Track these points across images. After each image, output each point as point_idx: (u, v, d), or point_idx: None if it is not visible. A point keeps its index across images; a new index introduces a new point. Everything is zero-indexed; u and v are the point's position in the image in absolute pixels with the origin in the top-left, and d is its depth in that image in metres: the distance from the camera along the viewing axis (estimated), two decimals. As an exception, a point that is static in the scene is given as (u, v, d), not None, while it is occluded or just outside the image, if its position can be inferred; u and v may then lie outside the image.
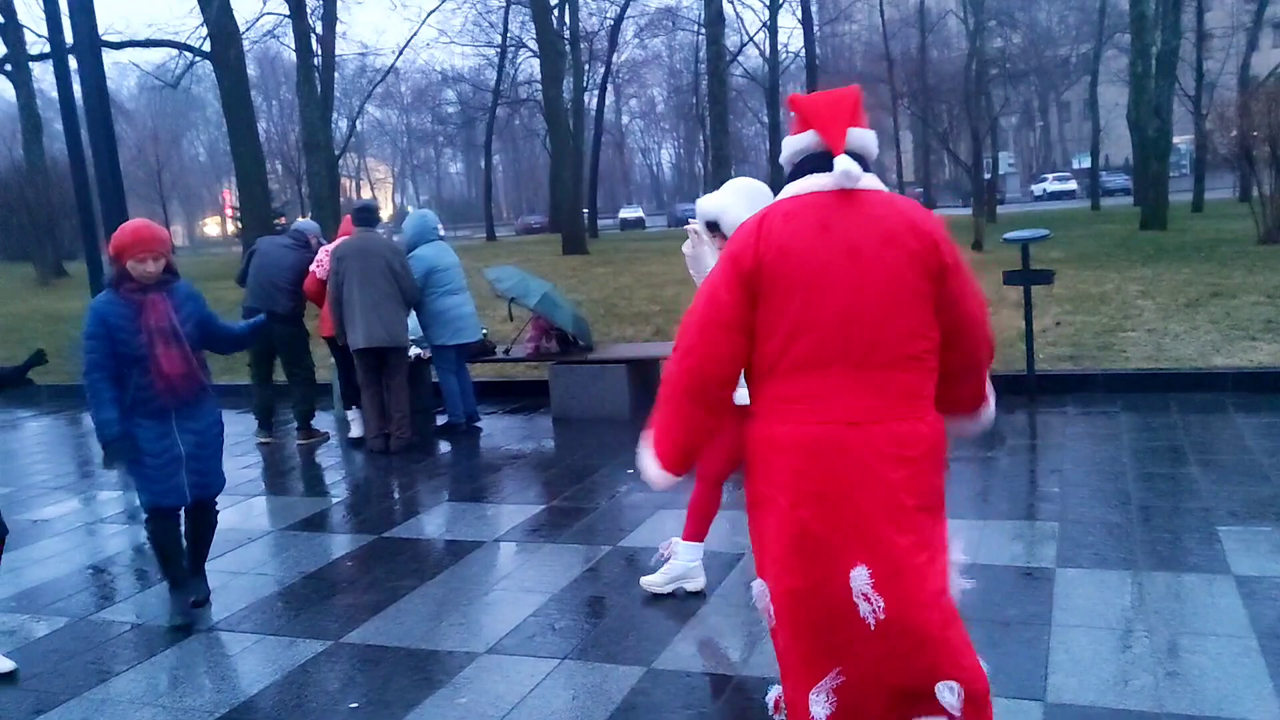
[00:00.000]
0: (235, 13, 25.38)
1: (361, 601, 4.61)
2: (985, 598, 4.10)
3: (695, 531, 4.36)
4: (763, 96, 43.30)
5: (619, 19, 40.33)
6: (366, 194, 73.79)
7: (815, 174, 2.46)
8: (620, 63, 47.28)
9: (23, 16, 36.86)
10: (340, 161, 34.81)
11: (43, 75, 36.86)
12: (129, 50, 30.36)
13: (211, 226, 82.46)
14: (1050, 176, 55.33)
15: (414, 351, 8.47)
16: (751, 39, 42.36)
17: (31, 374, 4.56)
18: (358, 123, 42.33)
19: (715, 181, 20.80)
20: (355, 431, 8.06)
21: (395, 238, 8.33)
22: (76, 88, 9.07)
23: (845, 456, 2.38)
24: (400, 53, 39.24)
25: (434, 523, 5.78)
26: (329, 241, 8.26)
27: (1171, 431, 6.49)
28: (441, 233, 8.28)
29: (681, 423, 2.60)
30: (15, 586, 5.10)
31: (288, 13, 26.34)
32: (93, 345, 4.23)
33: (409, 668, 3.88)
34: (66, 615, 4.72)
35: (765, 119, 44.29)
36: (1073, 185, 52.03)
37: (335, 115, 32.60)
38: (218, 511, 4.77)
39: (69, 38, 9.03)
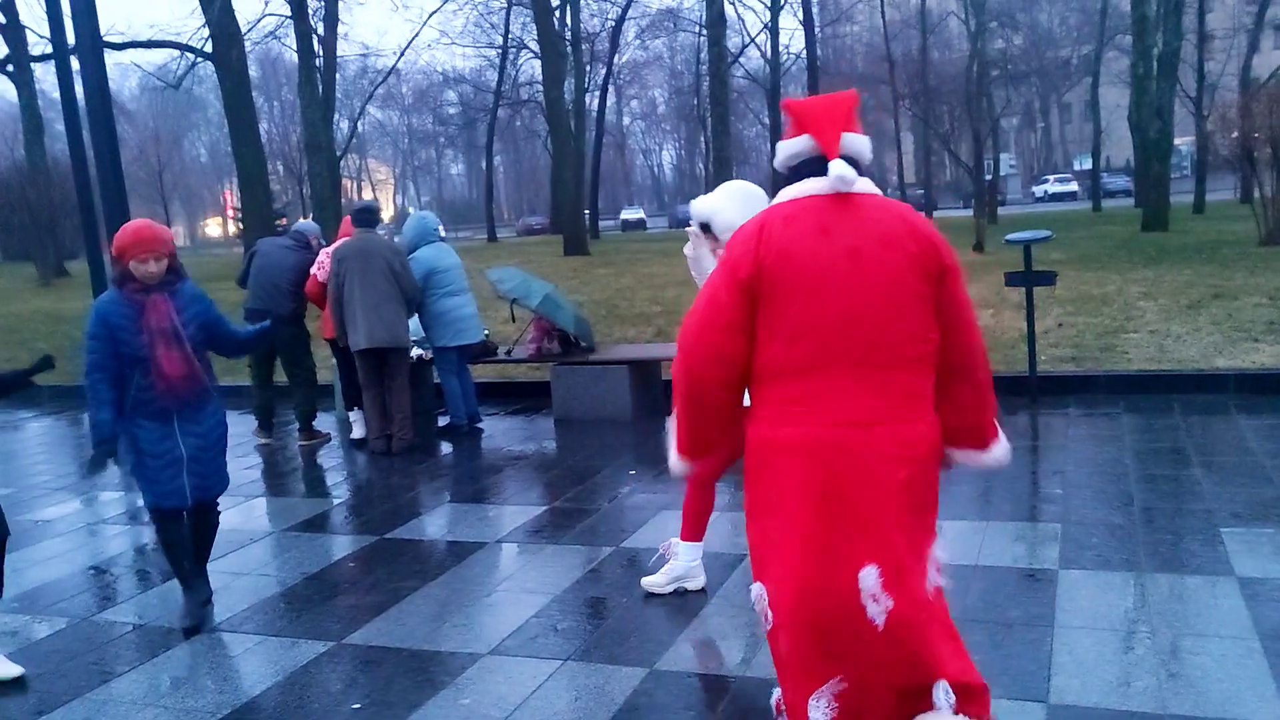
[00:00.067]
0: (237, 14, 25.43)
1: (364, 602, 4.61)
2: (988, 599, 4.10)
3: (693, 531, 4.37)
4: (764, 98, 43.34)
5: (620, 20, 40.35)
6: (368, 195, 73.83)
7: (812, 178, 2.48)
8: (621, 64, 47.31)
9: (24, 17, 36.80)
10: (341, 162, 34.83)
11: (44, 76, 36.87)
12: (131, 51, 30.41)
13: (213, 227, 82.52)
14: (1051, 178, 55.32)
15: (415, 353, 8.48)
16: (753, 40, 42.38)
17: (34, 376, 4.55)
18: (359, 124, 42.37)
19: (716, 183, 20.77)
20: (357, 433, 8.06)
21: (396, 239, 8.33)
22: (79, 88, 9.07)
23: (850, 457, 2.40)
24: (402, 54, 39.42)
25: (436, 524, 5.78)
26: (329, 243, 8.26)
27: (1174, 433, 6.49)
28: (442, 234, 8.28)
29: (688, 420, 2.65)
30: (17, 587, 5.09)
31: (289, 14, 26.37)
32: (94, 345, 4.23)
33: (411, 669, 3.88)
34: (68, 616, 4.72)
35: (766, 120, 44.28)
36: (1074, 187, 52.02)
37: (337, 116, 32.61)
38: (219, 513, 4.76)
39: (71, 38, 9.03)
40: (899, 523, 2.42)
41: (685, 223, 5.10)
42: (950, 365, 2.52)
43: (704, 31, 31.31)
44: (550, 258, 25.09)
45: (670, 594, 4.41)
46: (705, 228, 3.93)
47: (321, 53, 28.27)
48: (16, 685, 3.97)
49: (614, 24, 40.51)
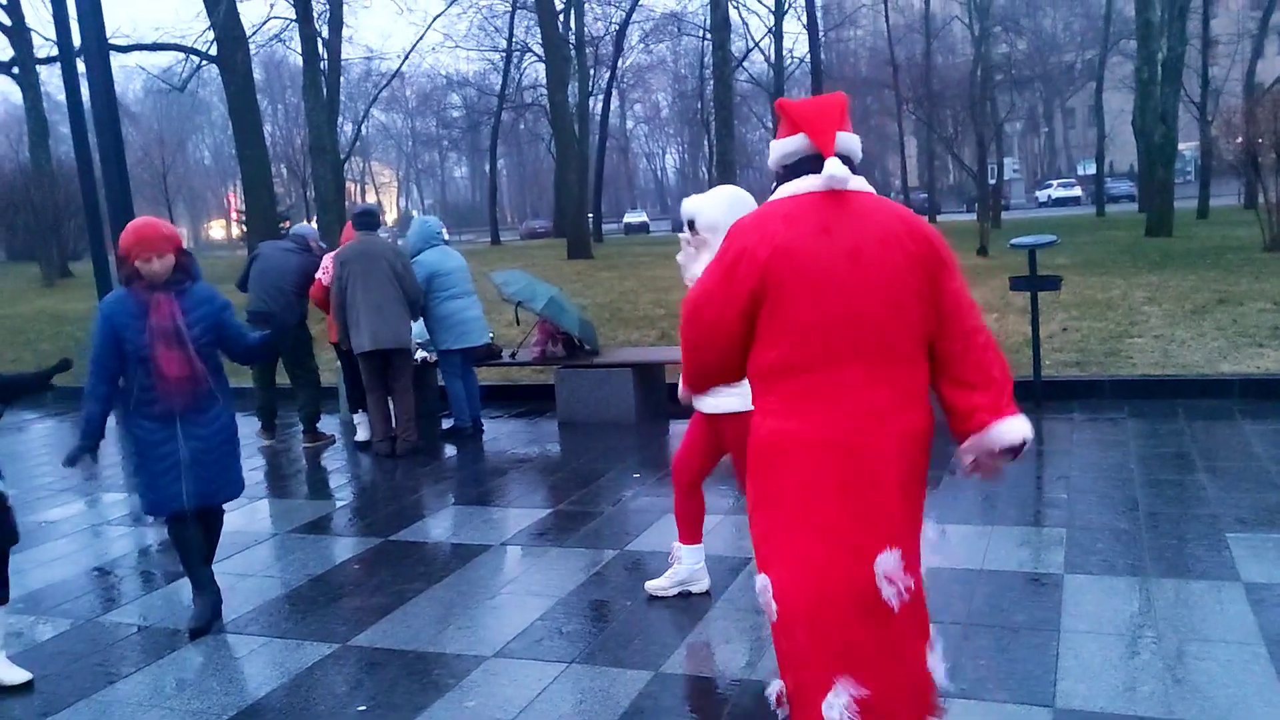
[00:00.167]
0: (242, 17, 25.48)
1: (368, 604, 4.61)
2: (993, 603, 4.10)
3: (689, 535, 4.38)
4: (767, 102, 43.34)
5: (624, 24, 40.40)
6: (371, 198, 73.90)
7: (807, 176, 2.52)
8: (625, 68, 47.33)
9: (30, 20, 36.90)
10: (346, 165, 34.90)
11: (49, 78, 36.94)
12: (136, 53, 30.42)
13: (216, 229, 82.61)
14: (1055, 182, 55.35)
15: (420, 355, 8.49)
16: (757, 45, 42.41)
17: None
18: (363, 127, 42.46)
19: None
20: (361, 435, 8.07)
21: (399, 242, 8.34)
22: (84, 90, 9.10)
23: (867, 447, 2.44)
24: (406, 57, 39.29)
25: (440, 526, 5.78)
26: (330, 246, 8.27)
27: (1178, 438, 6.48)
28: (446, 237, 8.29)
29: (691, 364, 2.71)
30: (22, 589, 5.10)
31: (294, 17, 26.40)
32: (97, 342, 4.25)
33: (416, 671, 3.88)
34: (73, 618, 4.72)
35: (769, 124, 44.31)
36: (1077, 191, 52.04)
37: (341, 119, 32.69)
38: (223, 516, 4.73)
39: (77, 41, 9.06)
40: (906, 508, 2.50)
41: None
42: (955, 351, 2.53)
43: (708, 35, 31.34)
44: (554, 261, 25.12)
45: (675, 597, 4.41)
46: (690, 225, 3.99)
47: (326, 56, 28.34)
48: (22, 687, 3.97)
49: (618, 28, 40.57)
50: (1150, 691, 3.31)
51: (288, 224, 27.48)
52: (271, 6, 51.39)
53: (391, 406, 7.64)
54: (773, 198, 2.60)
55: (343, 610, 4.57)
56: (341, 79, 31.35)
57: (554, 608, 4.41)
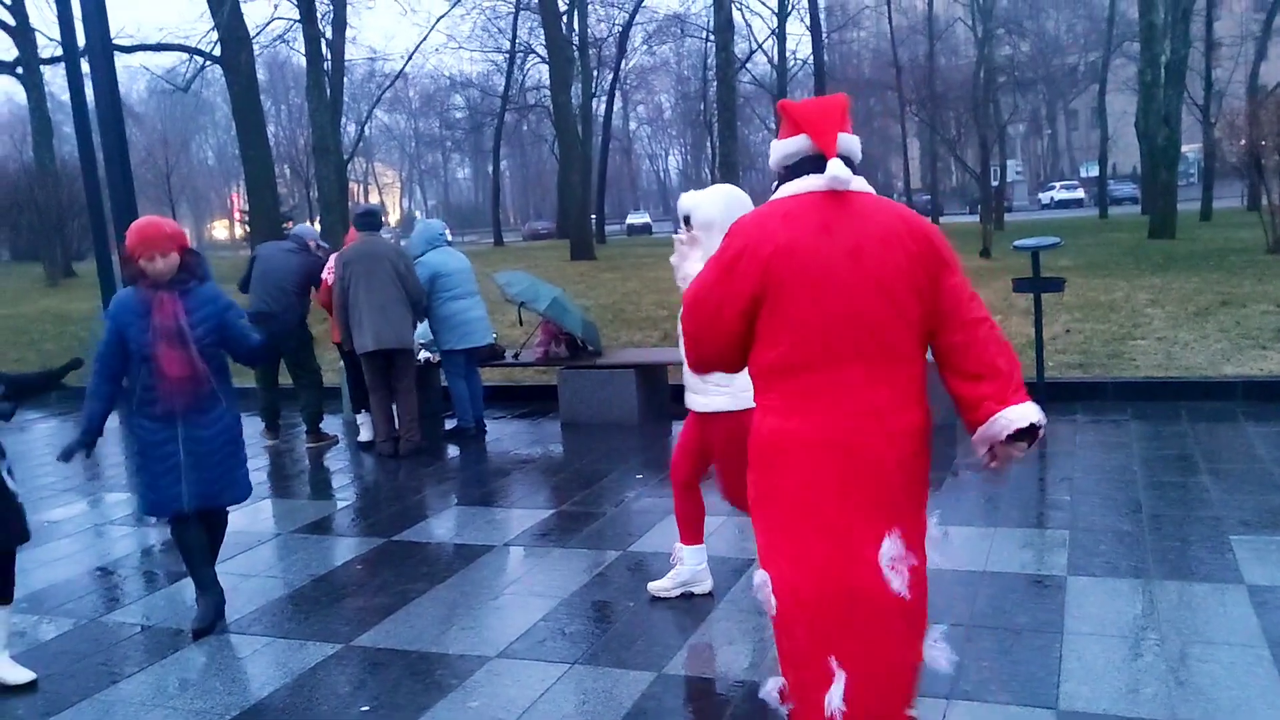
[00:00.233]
0: (245, 17, 25.49)
1: (371, 605, 4.62)
2: (996, 605, 4.09)
3: (690, 535, 4.39)
4: (770, 103, 43.34)
5: (627, 25, 40.46)
6: (374, 199, 73.92)
7: (809, 176, 2.54)
8: (628, 69, 47.40)
9: (34, 20, 36.94)
10: (349, 166, 34.90)
11: (53, 78, 37.03)
12: (139, 54, 30.42)
13: (220, 230, 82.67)
14: (1058, 185, 55.33)
15: (423, 356, 8.49)
16: (760, 46, 42.45)
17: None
18: (366, 127, 42.43)
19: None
20: (364, 435, 8.08)
21: (402, 243, 8.35)
22: (89, 91, 9.11)
23: (867, 445, 2.46)
24: (409, 58, 39.28)
25: (443, 526, 5.78)
26: (332, 246, 8.28)
27: (1182, 440, 6.48)
28: (449, 238, 8.30)
29: (692, 350, 2.72)
30: (25, 588, 5.10)
31: (298, 18, 26.42)
32: (103, 339, 4.28)
33: (419, 671, 3.88)
34: (76, 617, 4.73)
35: (772, 126, 44.29)
36: (1080, 194, 51.99)
37: (344, 120, 32.72)
38: (227, 518, 4.70)
39: (81, 41, 9.08)
40: (907, 505, 2.53)
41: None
42: (957, 344, 2.54)
43: (711, 37, 31.34)
44: (556, 262, 25.12)
45: (677, 598, 4.42)
46: (687, 220, 4.00)
47: (330, 56, 28.36)
48: (26, 686, 3.97)
49: (621, 29, 40.62)
50: (1153, 693, 3.31)
51: (290, 224, 27.48)
52: (275, 7, 51.30)
53: (395, 407, 7.65)
54: (774, 197, 2.62)
55: (346, 610, 4.57)
56: (345, 80, 31.38)
57: (557, 608, 4.41)
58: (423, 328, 8.04)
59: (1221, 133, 21.77)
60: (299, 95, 52.38)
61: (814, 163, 2.54)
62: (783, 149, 2.62)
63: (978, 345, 2.51)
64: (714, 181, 36.74)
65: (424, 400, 8.35)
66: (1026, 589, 4.25)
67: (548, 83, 32.23)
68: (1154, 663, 3.52)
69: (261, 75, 33.02)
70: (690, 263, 3.87)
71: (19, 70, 31.34)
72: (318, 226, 23.64)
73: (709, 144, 46.11)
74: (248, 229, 30.75)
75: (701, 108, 46.56)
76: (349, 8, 28.93)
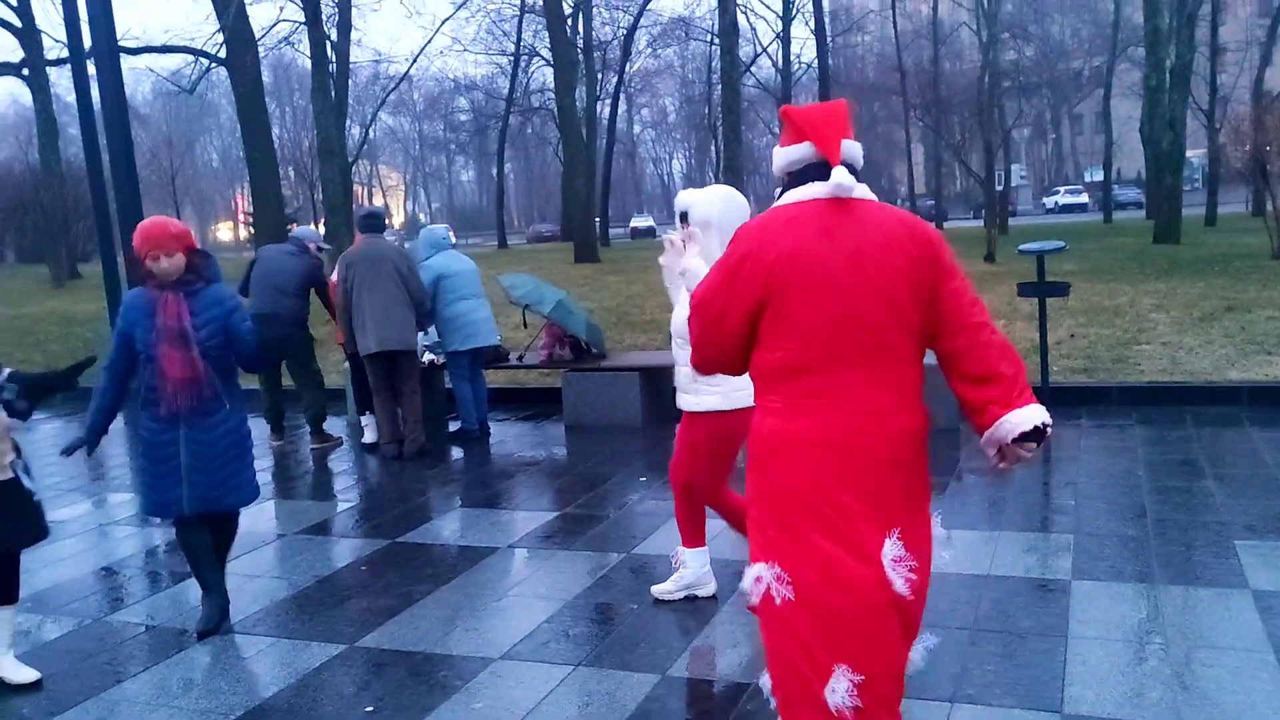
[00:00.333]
0: (251, 20, 25.53)
1: (376, 606, 4.62)
2: (1000, 608, 4.09)
3: (691, 538, 4.39)
4: (774, 107, 43.31)
5: (632, 28, 40.48)
6: (379, 201, 74.00)
7: (814, 183, 2.57)
8: (633, 72, 47.41)
9: (40, 22, 37.04)
10: (353, 168, 34.92)
11: (58, 80, 37.09)
12: (145, 56, 30.49)
13: (224, 231, 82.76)
14: (1062, 189, 55.19)
15: (427, 358, 8.50)
16: (765, 50, 42.40)
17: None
18: (371, 130, 42.41)
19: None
20: (369, 437, 8.08)
21: (406, 245, 8.37)
22: (94, 92, 9.13)
23: (867, 445, 2.49)
24: (414, 60, 39.32)
25: (447, 528, 5.79)
26: (338, 249, 8.30)
27: (1186, 445, 6.47)
28: (453, 241, 8.31)
29: (699, 351, 2.74)
30: (30, 588, 5.10)
31: (303, 20, 26.46)
32: (114, 339, 4.30)
33: (423, 673, 3.89)
34: (80, 617, 4.74)
35: (776, 130, 44.28)
36: (1084, 198, 51.90)
37: (349, 122, 32.75)
38: (236, 520, 4.66)
39: (87, 43, 9.10)
40: (908, 504, 2.56)
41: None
42: (960, 348, 2.56)
43: (716, 40, 31.36)
44: (561, 265, 25.13)
45: (681, 601, 4.41)
46: (684, 217, 4.01)
47: (335, 59, 28.36)
48: (30, 685, 3.98)
49: (626, 32, 40.65)
50: (1158, 698, 3.30)
51: (294, 226, 27.51)
52: (281, 10, 51.46)
53: (399, 409, 7.66)
54: (777, 203, 2.65)
55: (350, 611, 4.58)
56: (350, 82, 31.36)
57: (560, 610, 4.41)
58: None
59: (1226, 138, 21.73)
60: (304, 97, 52.42)
61: (818, 169, 2.58)
62: (787, 156, 2.66)
63: (981, 349, 2.54)
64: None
65: (428, 402, 8.36)
66: (1031, 593, 4.25)
67: (552, 86, 32.28)
68: (1159, 667, 3.51)
69: (266, 77, 33.09)
70: (688, 258, 3.87)
71: (25, 72, 31.40)
72: (322, 229, 23.68)
73: (713, 148, 46.06)
74: (252, 231, 30.80)
75: (706, 111, 46.54)
76: (354, 10, 28.94)
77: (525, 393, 9.63)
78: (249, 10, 25.50)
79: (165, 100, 51.53)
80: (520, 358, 8.86)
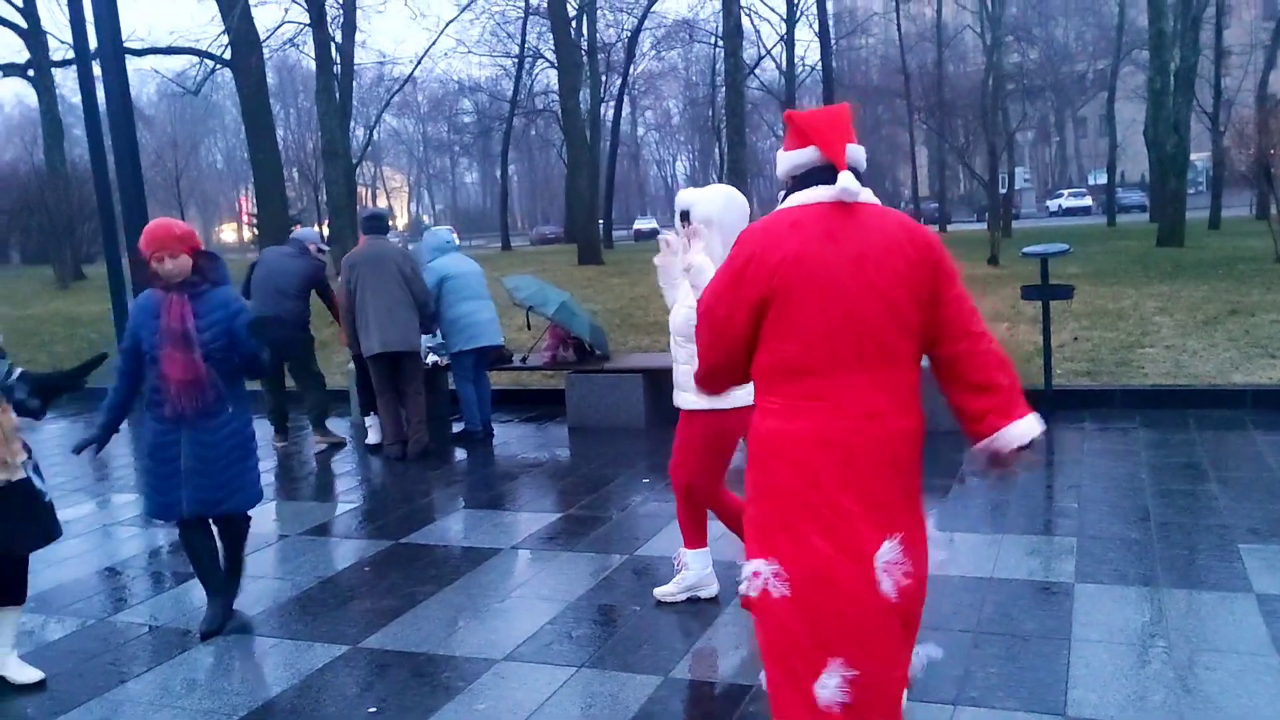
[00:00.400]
0: (256, 21, 25.59)
1: (379, 607, 4.62)
2: (1003, 611, 4.09)
3: (693, 539, 4.39)
4: (778, 110, 43.33)
5: (636, 31, 40.44)
6: (383, 203, 74.03)
7: (819, 186, 2.59)
8: (637, 74, 47.38)
9: (46, 23, 37.14)
10: (357, 170, 34.96)
11: (64, 81, 37.13)
12: (150, 57, 30.52)
13: (228, 233, 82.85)
14: (1066, 192, 55.15)
15: (431, 359, 8.51)
16: (769, 52, 42.36)
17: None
18: (375, 131, 42.46)
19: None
20: (372, 438, 8.09)
21: (410, 247, 8.38)
22: (100, 93, 9.14)
23: (866, 446, 2.52)
24: (418, 62, 39.41)
25: (451, 529, 5.79)
26: (342, 250, 8.32)
27: (1190, 448, 6.46)
28: (457, 242, 8.33)
29: (705, 360, 2.77)
30: (33, 588, 5.08)
31: (308, 22, 26.51)
32: (125, 339, 4.33)
33: (426, 674, 3.89)
34: (84, 617, 4.75)
35: (780, 132, 44.29)
36: (1088, 201, 51.84)
37: (353, 124, 32.75)
38: (246, 523, 4.63)
39: (93, 44, 9.11)
40: (905, 504, 2.59)
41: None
42: (959, 354, 2.60)
43: (720, 43, 31.35)
44: (564, 266, 25.13)
45: (683, 602, 4.42)
46: (685, 216, 4.02)
47: (339, 61, 28.40)
48: (34, 686, 3.99)
49: (630, 34, 40.61)
50: (1161, 701, 3.30)
51: (298, 227, 27.54)
52: (286, 11, 51.71)
53: (402, 410, 7.66)
54: (781, 207, 2.67)
55: (353, 612, 4.58)
56: (354, 84, 31.39)
57: (563, 612, 4.42)
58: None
59: (1230, 141, 21.68)
60: (308, 99, 52.55)
61: (823, 173, 2.60)
62: (791, 160, 2.68)
63: (980, 356, 2.58)
64: (722, 187, 36.72)
65: (432, 403, 8.36)
66: (1034, 596, 4.25)
67: (556, 88, 32.27)
68: (1162, 670, 3.51)
69: (271, 79, 33.10)
70: (693, 254, 3.87)
71: (30, 73, 31.44)
72: (326, 230, 23.69)
73: (717, 150, 46.08)
74: (256, 232, 30.83)
75: (710, 113, 46.57)
76: (359, 12, 28.97)
77: (529, 394, 9.64)
78: (254, 12, 25.59)
79: (170, 102, 51.56)
80: (524, 359, 8.87)
